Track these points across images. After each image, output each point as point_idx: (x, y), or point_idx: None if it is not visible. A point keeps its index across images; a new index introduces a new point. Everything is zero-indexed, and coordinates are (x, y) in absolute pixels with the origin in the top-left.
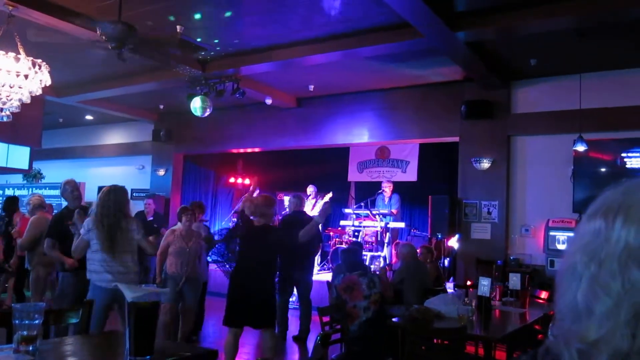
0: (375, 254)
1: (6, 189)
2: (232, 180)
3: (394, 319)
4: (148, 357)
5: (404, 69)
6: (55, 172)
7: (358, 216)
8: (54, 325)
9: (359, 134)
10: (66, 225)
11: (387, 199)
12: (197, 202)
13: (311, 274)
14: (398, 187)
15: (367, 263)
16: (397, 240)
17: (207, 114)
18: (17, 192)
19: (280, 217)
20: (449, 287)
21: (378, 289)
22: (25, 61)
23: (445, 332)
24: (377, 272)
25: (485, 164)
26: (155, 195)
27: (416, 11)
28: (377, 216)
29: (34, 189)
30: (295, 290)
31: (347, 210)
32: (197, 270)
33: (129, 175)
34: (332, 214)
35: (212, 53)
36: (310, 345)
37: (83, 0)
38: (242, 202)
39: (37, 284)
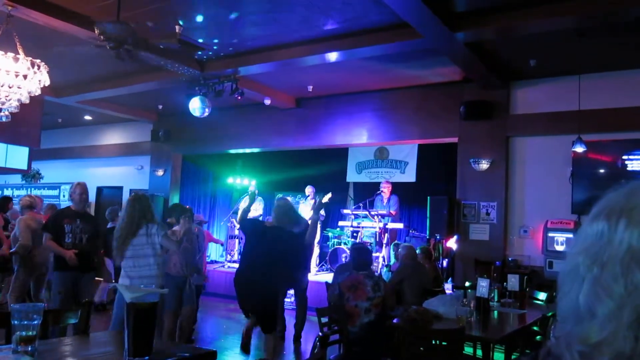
0: (374, 254)
1: (5, 189)
2: (231, 180)
3: (393, 320)
4: (147, 357)
5: (403, 70)
6: (54, 172)
7: (357, 217)
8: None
9: (358, 135)
10: (63, 224)
11: (385, 200)
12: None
13: (307, 272)
14: (397, 187)
15: None
16: (396, 241)
17: (206, 114)
18: (16, 192)
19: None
20: (448, 288)
21: (382, 293)
22: (24, 61)
23: (444, 333)
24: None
25: (484, 165)
26: (155, 195)
27: (415, 11)
28: (375, 217)
29: (32, 189)
30: (293, 290)
31: (345, 211)
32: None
33: (128, 175)
34: (331, 215)
35: (211, 53)
36: (304, 341)
37: (82, 0)
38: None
39: (18, 285)
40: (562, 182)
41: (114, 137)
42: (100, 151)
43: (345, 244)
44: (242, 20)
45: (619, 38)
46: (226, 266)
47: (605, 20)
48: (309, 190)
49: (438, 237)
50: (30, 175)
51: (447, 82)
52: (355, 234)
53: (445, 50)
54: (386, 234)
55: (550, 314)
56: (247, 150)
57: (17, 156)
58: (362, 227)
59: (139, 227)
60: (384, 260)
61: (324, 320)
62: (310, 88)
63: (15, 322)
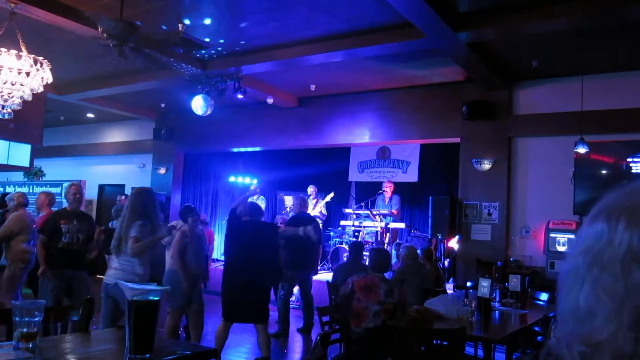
0: None
1: (7, 187)
2: (232, 179)
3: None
4: (147, 355)
5: (406, 69)
6: (56, 170)
7: (358, 216)
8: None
9: (360, 134)
10: (60, 224)
11: (387, 200)
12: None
13: (312, 272)
14: (399, 187)
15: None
16: (397, 241)
17: (208, 112)
18: (18, 190)
19: (282, 219)
20: (449, 288)
21: (394, 300)
22: (27, 59)
23: (445, 332)
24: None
25: (486, 165)
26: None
27: (418, 11)
28: (377, 216)
29: (35, 186)
30: (296, 289)
31: (347, 211)
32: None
33: (130, 173)
34: (333, 214)
35: (213, 52)
36: (315, 337)
37: None
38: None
39: (11, 281)
40: (564, 183)
41: (116, 135)
42: (103, 149)
43: (347, 243)
44: (244, 19)
45: (622, 38)
46: None
47: (608, 20)
48: (311, 189)
49: (440, 237)
50: (32, 173)
51: (450, 82)
52: (357, 234)
53: (447, 51)
54: (388, 234)
55: (551, 314)
56: (249, 149)
57: (20, 153)
58: (364, 227)
59: (133, 222)
60: None
61: (325, 319)
62: (312, 87)
63: (17, 318)
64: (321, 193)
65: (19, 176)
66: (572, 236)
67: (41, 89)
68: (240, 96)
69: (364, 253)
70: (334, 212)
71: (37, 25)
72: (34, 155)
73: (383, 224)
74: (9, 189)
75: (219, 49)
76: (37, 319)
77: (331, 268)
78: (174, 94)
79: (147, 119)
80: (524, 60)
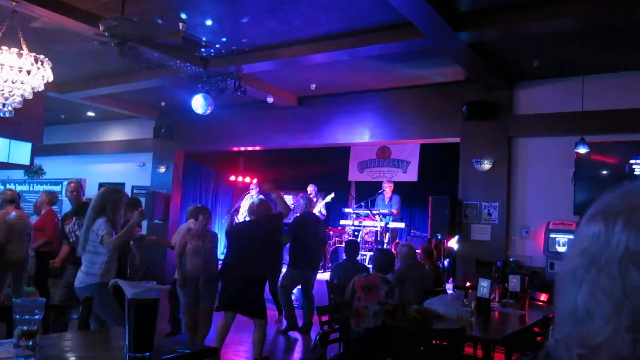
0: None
1: (8, 184)
2: (232, 178)
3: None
4: (147, 353)
5: (406, 69)
6: (57, 168)
7: (358, 216)
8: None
9: (360, 134)
10: (64, 227)
11: (387, 199)
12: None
13: (317, 271)
14: (398, 187)
15: (366, 263)
16: (397, 240)
17: (208, 111)
18: (18, 188)
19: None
20: (449, 288)
21: (394, 301)
22: (27, 57)
23: (444, 333)
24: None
25: (486, 165)
26: (156, 192)
27: (419, 11)
28: (377, 216)
29: (35, 184)
30: (297, 288)
31: (347, 210)
32: (213, 269)
33: (130, 172)
34: (332, 213)
35: (213, 51)
36: (314, 337)
37: None
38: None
39: None
40: (565, 183)
41: (116, 134)
42: (103, 147)
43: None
44: (245, 18)
45: (623, 39)
46: None
47: (610, 20)
48: (310, 188)
49: (439, 236)
50: (32, 171)
51: (450, 82)
52: (356, 233)
53: (448, 50)
54: (387, 233)
55: (551, 315)
56: (249, 148)
57: (20, 152)
58: (364, 226)
59: (94, 221)
60: None
61: (325, 318)
62: (313, 86)
63: (17, 316)
64: (321, 192)
65: (19, 174)
66: (572, 237)
67: (42, 88)
68: (240, 95)
69: (361, 252)
70: (334, 212)
71: (38, 24)
72: (34, 153)
73: (383, 224)
74: (8, 187)
75: (217, 46)
76: (37, 316)
77: (330, 267)
78: (174, 92)
79: (148, 118)
80: (525, 60)
